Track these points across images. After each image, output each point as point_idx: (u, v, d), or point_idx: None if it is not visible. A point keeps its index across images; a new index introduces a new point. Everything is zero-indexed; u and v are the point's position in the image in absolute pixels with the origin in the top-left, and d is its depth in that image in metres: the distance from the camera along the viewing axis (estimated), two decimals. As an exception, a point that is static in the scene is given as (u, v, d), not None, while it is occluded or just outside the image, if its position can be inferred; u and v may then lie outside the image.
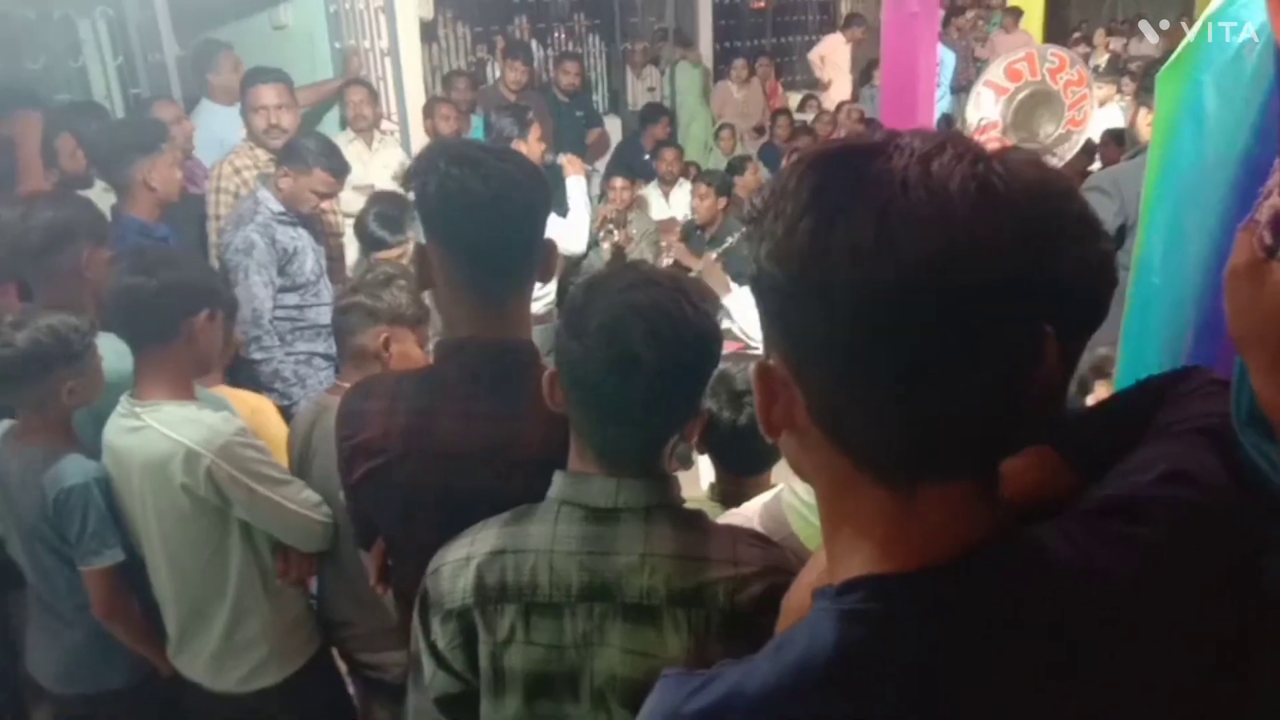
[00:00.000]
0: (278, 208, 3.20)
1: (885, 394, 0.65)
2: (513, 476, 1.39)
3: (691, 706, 0.71)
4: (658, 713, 0.74)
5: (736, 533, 1.30)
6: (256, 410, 2.48)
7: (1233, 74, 1.23)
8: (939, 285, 0.61)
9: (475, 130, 5.71)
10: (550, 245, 1.53)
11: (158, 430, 1.97)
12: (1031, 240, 0.63)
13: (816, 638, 0.69)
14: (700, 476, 4.37)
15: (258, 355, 3.11)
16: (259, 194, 3.25)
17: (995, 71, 5.16)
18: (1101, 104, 6.17)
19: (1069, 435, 0.94)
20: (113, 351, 2.13)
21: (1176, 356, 1.28)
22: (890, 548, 0.69)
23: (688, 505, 1.31)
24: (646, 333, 1.18)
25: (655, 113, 7.43)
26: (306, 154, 3.27)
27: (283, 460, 2.22)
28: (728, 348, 4.37)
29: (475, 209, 1.40)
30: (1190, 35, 1.31)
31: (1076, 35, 10.99)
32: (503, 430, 1.43)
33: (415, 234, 3.54)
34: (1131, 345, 1.39)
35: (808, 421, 0.69)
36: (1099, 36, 10.93)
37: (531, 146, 4.43)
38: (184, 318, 2.00)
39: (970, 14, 10.63)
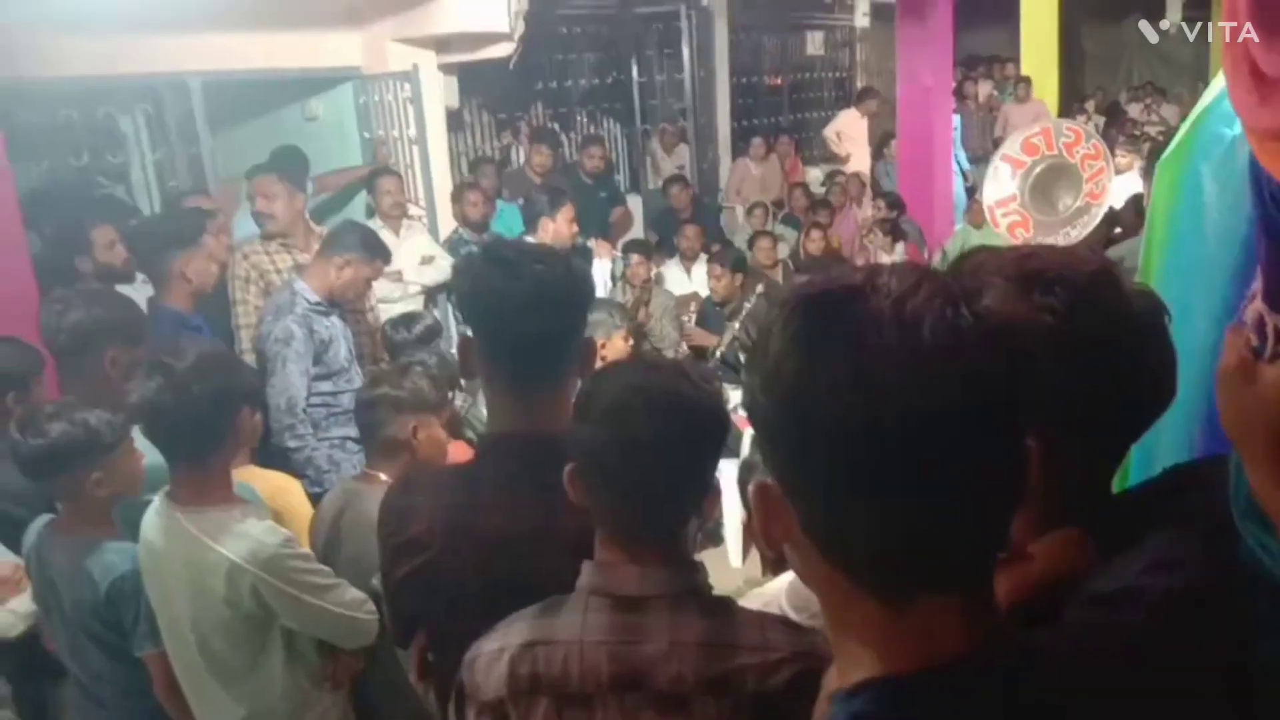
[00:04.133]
0: (314, 298, 3.29)
1: (864, 517, 0.69)
2: (552, 566, 1.41)
3: None
4: None
5: (764, 619, 1.32)
6: (282, 490, 2.51)
7: (1229, 165, 1.27)
8: (908, 419, 0.66)
9: (502, 215, 5.85)
10: (589, 343, 1.59)
11: (200, 540, 1.97)
12: (1001, 379, 0.68)
13: None
14: (730, 554, 4.39)
15: (292, 444, 3.17)
16: (295, 285, 3.34)
17: (1012, 146, 5.23)
18: (1121, 172, 6.21)
19: (1101, 518, 0.98)
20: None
21: (1191, 441, 1.30)
22: (889, 653, 0.73)
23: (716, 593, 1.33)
24: (648, 411, 1.23)
25: (676, 184, 7.62)
26: (354, 242, 3.37)
27: (304, 539, 2.25)
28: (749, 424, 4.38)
29: (510, 308, 1.46)
30: (1186, 127, 1.36)
31: (1089, 103, 11.10)
32: (541, 521, 1.45)
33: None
34: (1143, 446, 1.40)
35: (802, 537, 0.74)
36: (1093, 104, 11.07)
37: (560, 226, 4.56)
38: (227, 423, 2.04)
39: (985, 85, 10.81)
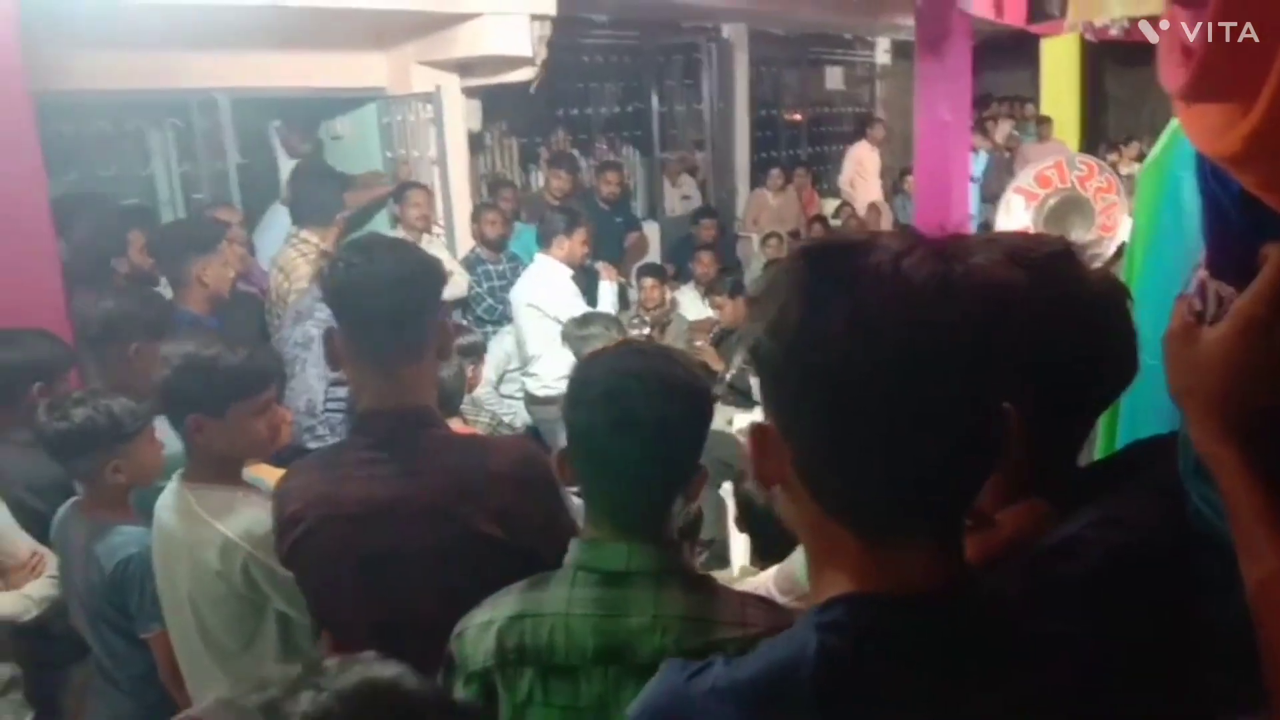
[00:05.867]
0: (335, 304, 3.35)
1: (853, 459, 0.76)
2: (415, 531, 1.55)
3: (691, 685, 0.83)
4: (661, 689, 0.87)
5: (745, 597, 1.36)
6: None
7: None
8: (901, 364, 0.72)
9: (520, 236, 5.94)
10: (444, 325, 1.74)
11: (200, 514, 2.02)
12: (987, 329, 0.74)
13: (799, 641, 0.80)
14: (733, 563, 4.40)
15: (312, 445, 3.22)
16: (315, 290, 3.40)
17: (1025, 179, 5.27)
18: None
19: (1064, 489, 1.03)
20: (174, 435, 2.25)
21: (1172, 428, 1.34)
22: (862, 579, 0.80)
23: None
24: (641, 392, 1.29)
25: (707, 215, 7.79)
26: None
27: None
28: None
29: (367, 291, 1.63)
30: (1165, 136, 1.41)
31: (1124, 149, 11.09)
32: (399, 486, 1.59)
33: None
34: (1128, 422, 1.45)
35: (793, 476, 0.80)
36: (1133, 150, 11.06)
37: (574, 246, 4.71)
38: (234, 400, 2.08)
39: (1004, 124, 10.89)
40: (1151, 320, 1.45)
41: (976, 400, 0.75)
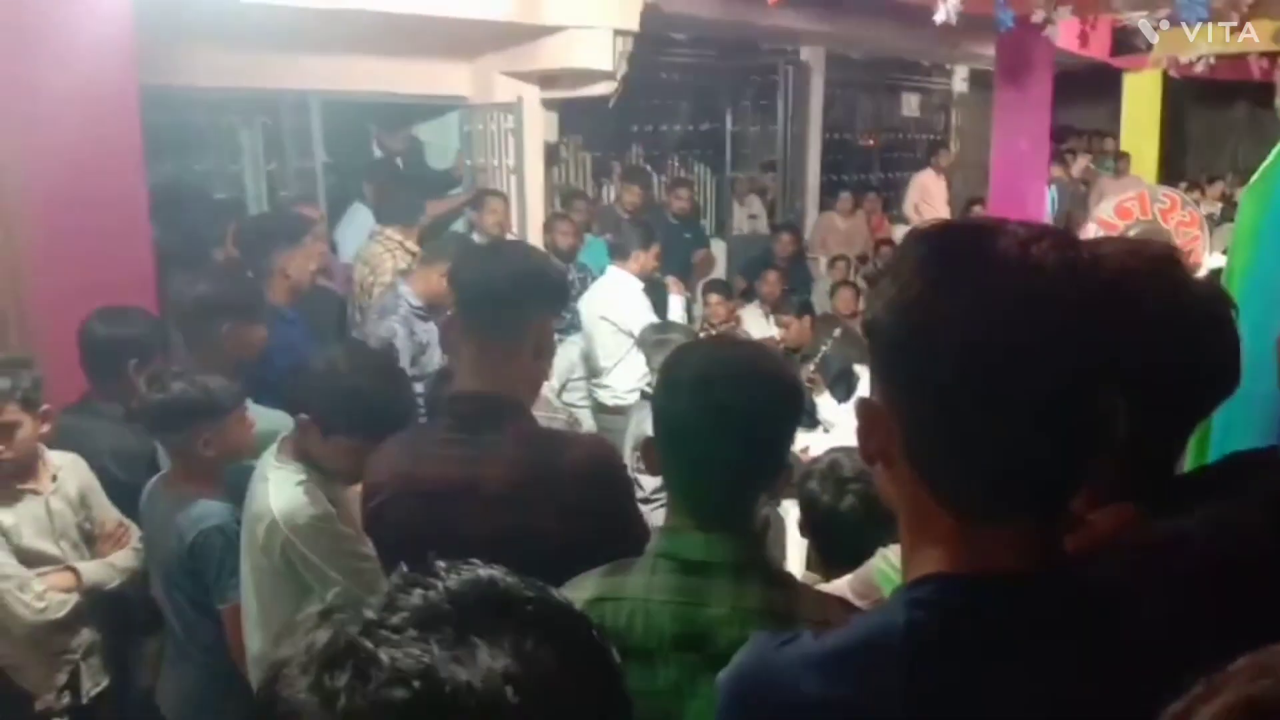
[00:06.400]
0: (416, 302, 3.44)
1: (966, 437, 0.76)
2: (477, 515, 1.60)
3: (779, 653, 0.85)
4: (750, 659, 0.88)
5: (825, 596, 1.37)
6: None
7: (1311, 191, 1.31)
8: (1023, 351, 0.72)
9: (590, 247, 6.00)
10: (545, 327, 1.81)
11: (266, 488, 2.09)
12: (1110, 322, 0.75)
13: (889, 616, 0.81)
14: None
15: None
16: (400, 288, 3.49)
17: (1106, 209, 5.22)
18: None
19: (1164, 496, 1.03)
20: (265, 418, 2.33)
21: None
22: (955, 559, 0.81)
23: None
24: (735, 383, 1.31)
25: (787, 231, 7.83)
26: (454, 252, 3.53)
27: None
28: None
29: (481, 283, 1.77)
30: (1272, 156, 1.40)
31: (1209, 188, 10.85)
32: (473, 470, 1.65)
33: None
34: (1220, 439, 1.43)
35: (898, 454, 0.81)
36: (1217, 190, 10.82)
37: (648, 260, 4.78)
38: None
39: (1081, 158, 10.73)
40: (1249, 339, 1.44)
41: (1091, 388, 0.75)
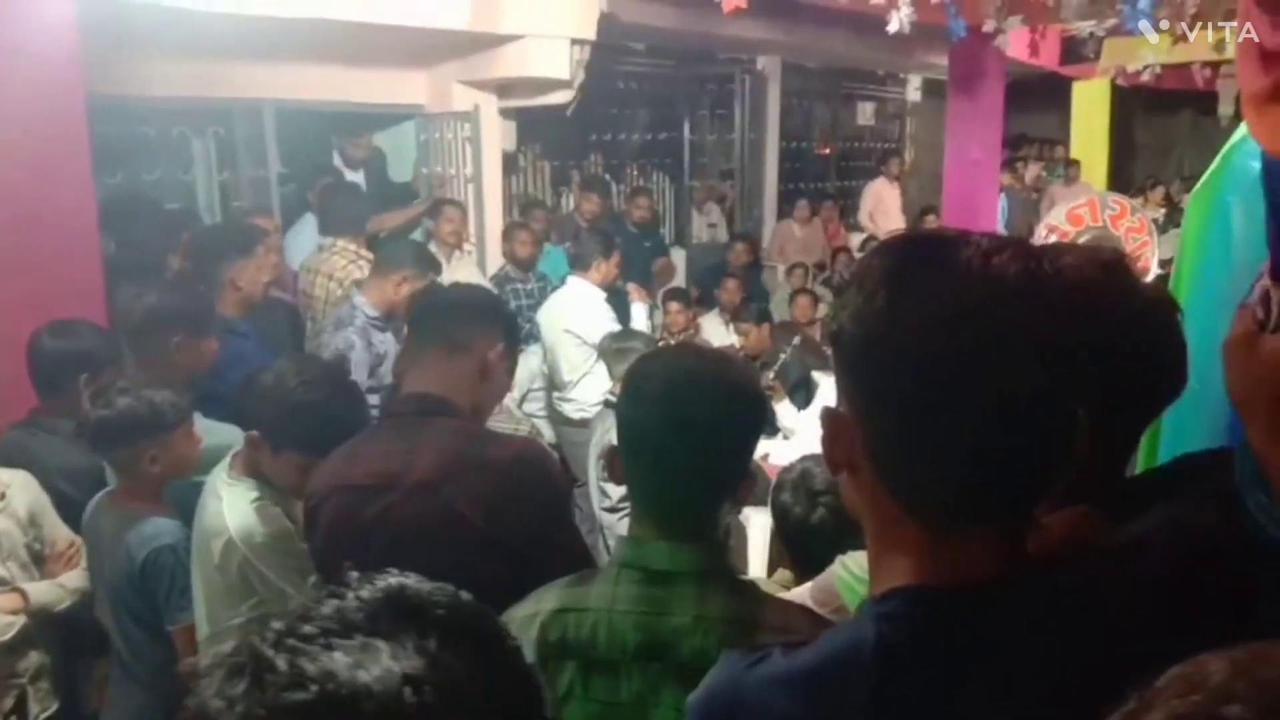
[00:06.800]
0: (372, 313, 3.41)
1: (931, 446, 0.77)
2: (406, 504, 1.65)
3: (749, 673, 0.83)
4: (720, 680, 0.87)
5: (788, 604, 1.37)
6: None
7: (1257, 196, 1.34)
8: (986, 361, 0.73)
9: (549, 256, 5.99)
10: (494, 344, 1.87)
11: (220, 505, 2.07)
12: (1070, 333, 0.76)
13: (858, 632, 0.80)
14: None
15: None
16: (355, 299, 3.46)
17: (1057, 215, 5.30)
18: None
19: (1116, 498, 1.04)
20: (205, 429, 2.29)
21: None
22: (922, 570, 0.81)
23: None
24: (698, 393, 1.31)
25: (742, 241, 7.99)
26: (409, 259, 3.55)
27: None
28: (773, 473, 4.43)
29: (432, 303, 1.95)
30: (1216, 161, 1.43)
31: (1150, 193, 11.08)
32: (400, 462, 1.69)
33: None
34: (1170, 440, 1.46)
35: (864, 463, 0.81)
36: (1157, 195, 11.06)
37: (609, 269, 4.78)
38: None
39: (1032, 166, 10.91)
40: (1197, 342, 1.47)
41: (1054, 396, 0.76)
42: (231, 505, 2.06)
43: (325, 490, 1.78)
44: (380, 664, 0.56)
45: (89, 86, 3.40)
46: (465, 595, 0.64)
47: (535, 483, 1.72)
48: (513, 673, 0.63)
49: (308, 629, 0.57)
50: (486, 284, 5.29)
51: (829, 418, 0.83)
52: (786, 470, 2.09)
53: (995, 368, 0.73)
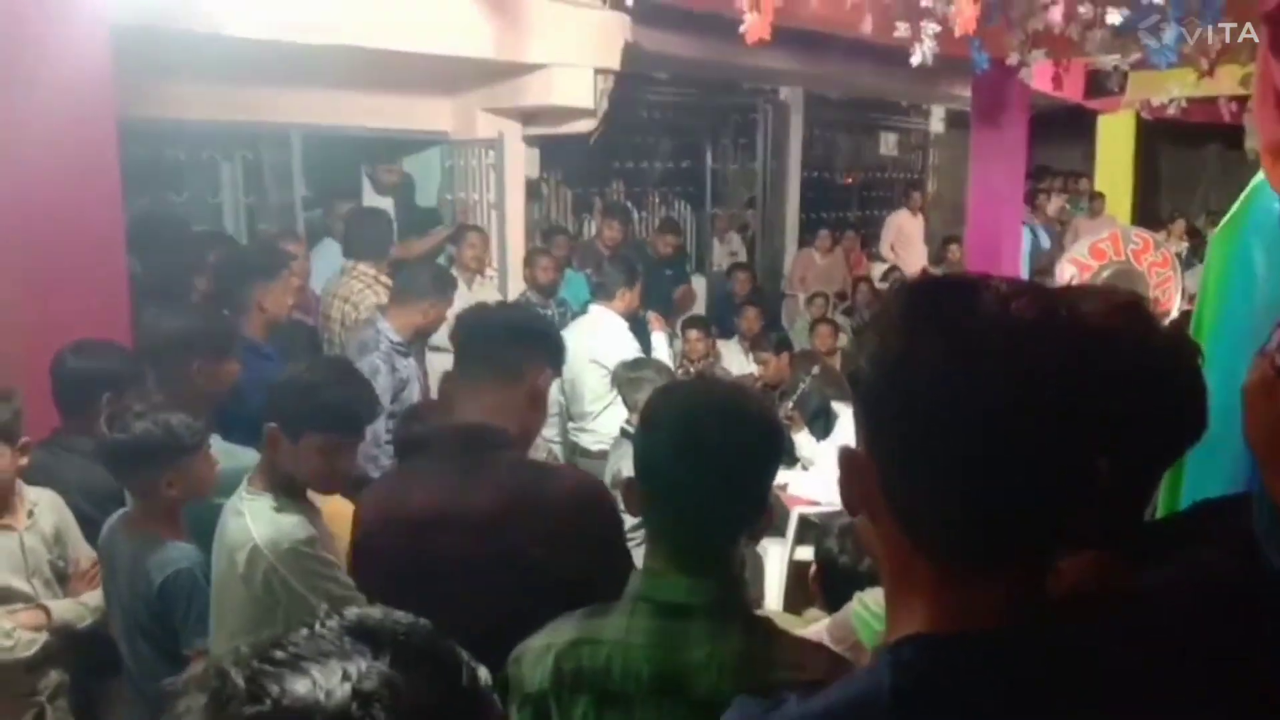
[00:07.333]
0: (396, 338, 3.44)
1: (949, 490, 0.77)
2: (465, 542, 1.62)
3: None
4: None
5: (804, 642, 1.36)
6: (340, 513, 2.59)
7: (1277, 237, 1.33)
8: (1002, 407, 0.73)
9: (570, 283, 6.02)
10: (542, 371, 1.87)
11: (243, 518, 2.08)
12: (1088, 379, 0.75)
13: (874, 679, 0.80)
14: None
15: (375, 474, 3.27)
16: (379, 324, 3.49)
17: (1080, 249, 5.27)
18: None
19: (1135, 542, 1.03)
20: (225, 452, 2.31)
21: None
22: (938, 614, 0.80)
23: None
24: (716, 423, 1.31)
25: (740, 270, 7.90)
26: (429, 286, 3.57)
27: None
28: (798, 503, 4.40)
29: (476, 330, 1.89)
30: (1238, 203, 1.42)
31: (1172, 225, 11.02)
32: (458, 498, 1.67)
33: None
34: (1192, 484, 1.44)
35: (880, 504, 0.81)
36: (1178, 228, 10.99)
37: (633, 298, 4.81)
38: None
39: (1056, 198, 10.88)
40: (1218, 385, 1.45)
41: (1070, 444, 0.75)
42: (255, 516, 2.07)
43: (379, 524, 1.75)
44: (333, 682, 0.60)
45: (120, 109, 3.46)
46: (424, 623, 0.69)
47: (593, 517, 1.71)
48: (468, 696, 0.67)
49: (278, 654, 0.62)
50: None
51: (847, 458, 0.83)
52: (833, 516, 2.09)
53: (1012, 414, 0.73)
